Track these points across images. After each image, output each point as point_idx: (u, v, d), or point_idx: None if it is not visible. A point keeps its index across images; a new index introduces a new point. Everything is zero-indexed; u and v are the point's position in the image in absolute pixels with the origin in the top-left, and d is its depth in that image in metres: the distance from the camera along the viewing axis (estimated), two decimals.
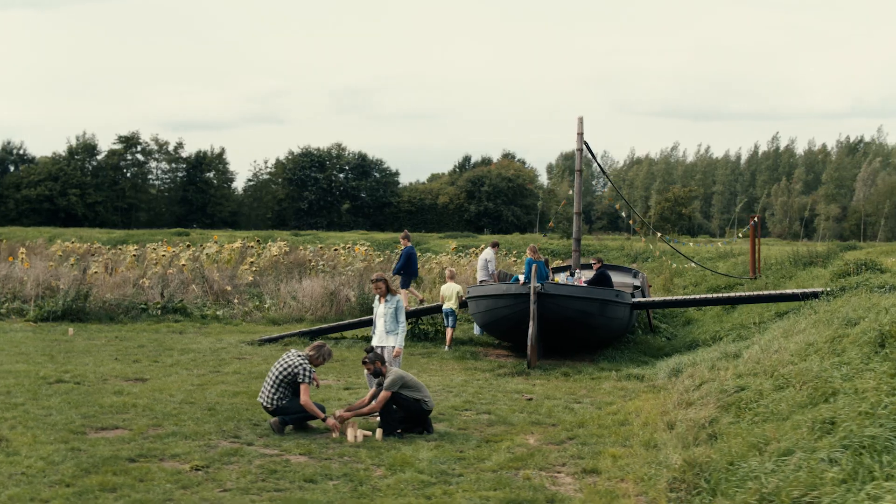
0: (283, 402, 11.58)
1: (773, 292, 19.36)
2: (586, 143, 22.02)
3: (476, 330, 21.50)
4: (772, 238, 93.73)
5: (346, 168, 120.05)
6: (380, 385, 11.82)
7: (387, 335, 13.07)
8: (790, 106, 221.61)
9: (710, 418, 10.71)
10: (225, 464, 9.78)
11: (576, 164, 21.89)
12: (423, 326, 21.38)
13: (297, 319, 23.66)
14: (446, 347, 19.68)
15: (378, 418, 11.90)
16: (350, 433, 11.13)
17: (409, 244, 23.20)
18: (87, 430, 11.18)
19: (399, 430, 11.48)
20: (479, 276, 22.48)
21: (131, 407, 12.52)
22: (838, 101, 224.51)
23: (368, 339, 20.64)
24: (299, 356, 11.82)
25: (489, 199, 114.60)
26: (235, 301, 25.41)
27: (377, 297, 13.33)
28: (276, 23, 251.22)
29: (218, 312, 24.10)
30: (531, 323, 16.73)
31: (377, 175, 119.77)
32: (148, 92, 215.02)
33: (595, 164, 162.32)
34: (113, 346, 18.75)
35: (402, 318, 13.18)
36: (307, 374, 11.63)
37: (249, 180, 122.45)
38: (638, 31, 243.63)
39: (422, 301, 23.10)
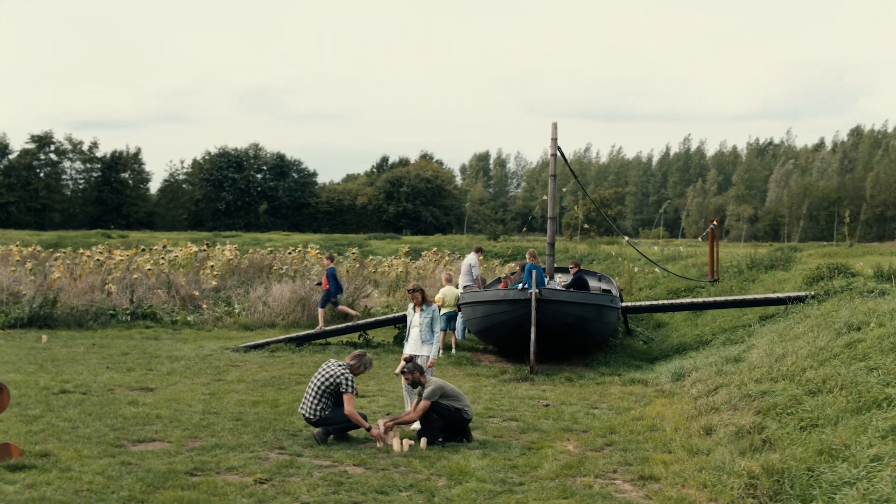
0: (326, 412, 11.52)
1: (759, 296, 19.89)
2: (560, 149, 22.17)
3: (458, 334, 21.43)
4: (688, 238, 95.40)
5: (264, 168, 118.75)
6: (420, 395, 11.84)
7: (422, 344, 13.07)
8: (700, 108, 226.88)
9: (755, 424, 10.91)
10: (286, 476, 9.72)
11: (550, 170, 22.00)
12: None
13: (269, 325, 23.42)
14: (442, 351, 19.57)
15: (413, 427, 11.96)
16: (396, 443, 11.14)
17: (332, 265, 23.18)
18: (125, 442, 10.98)
19: (440, 439, 11.52)
20: (463, 281, 22.37)
21: (156, 418, 12.33)
22: (746, 104, 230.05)
23: (356, 344, 20.70)
24: (340, 366, 11.76)
25: (408, 199, 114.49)
26: (204, 306, 25.04)
27: (412, 305, 13.32)
28: (180, 21, 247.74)
29: (189, 318, 23.73)
30: (532, 329, 16.83)
31: (295, 175, 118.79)
32: (55, 91, 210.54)
33: (510, 166, 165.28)
34: (96, 354, 18.38)
35: (437, 328, 13.20)
36: (350, 383, 11.59)
37: (166, 180, 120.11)
38: (546, 31, 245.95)
39: (357, 317, 22.82)
